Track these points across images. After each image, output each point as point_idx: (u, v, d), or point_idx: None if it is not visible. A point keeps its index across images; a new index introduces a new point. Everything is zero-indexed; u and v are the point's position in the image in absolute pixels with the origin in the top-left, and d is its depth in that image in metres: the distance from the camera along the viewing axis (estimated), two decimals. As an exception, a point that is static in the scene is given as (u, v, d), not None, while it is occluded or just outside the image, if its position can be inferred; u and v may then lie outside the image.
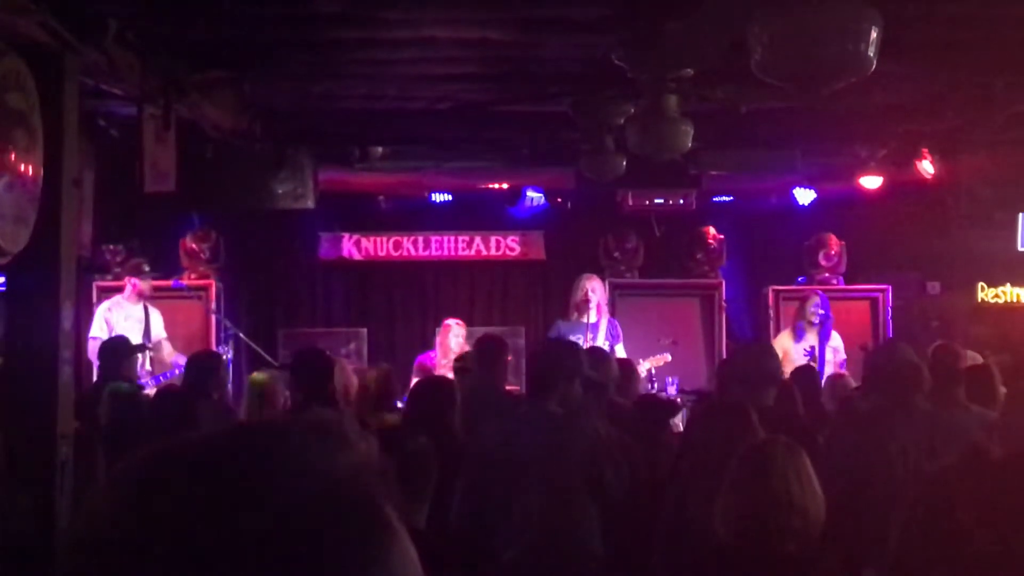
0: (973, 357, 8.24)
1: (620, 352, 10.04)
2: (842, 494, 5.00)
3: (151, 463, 0.93)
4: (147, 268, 10.97)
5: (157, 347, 10.72)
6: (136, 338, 10.13)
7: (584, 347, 7.40)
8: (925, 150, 10.57)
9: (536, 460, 5.30)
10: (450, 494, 5.35)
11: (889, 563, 3.79)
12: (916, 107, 8.99)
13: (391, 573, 0.89)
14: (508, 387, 8.08)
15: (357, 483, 0.91)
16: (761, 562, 3.64)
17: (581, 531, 5.28)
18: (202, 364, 8.09)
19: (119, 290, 11.16)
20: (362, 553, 0.88)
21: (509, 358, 7.98)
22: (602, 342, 10.11)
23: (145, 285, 10.80)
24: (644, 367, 9.99)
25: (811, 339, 10.98)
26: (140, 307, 10.78)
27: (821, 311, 11.12)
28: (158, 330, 10.87)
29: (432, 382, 7.13)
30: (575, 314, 10.44)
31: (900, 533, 3.75)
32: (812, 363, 10.30)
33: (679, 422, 7.72)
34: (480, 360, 7.66)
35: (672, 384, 10.38)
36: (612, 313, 11.59)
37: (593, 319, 10.28)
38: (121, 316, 10.65)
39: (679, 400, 9.48)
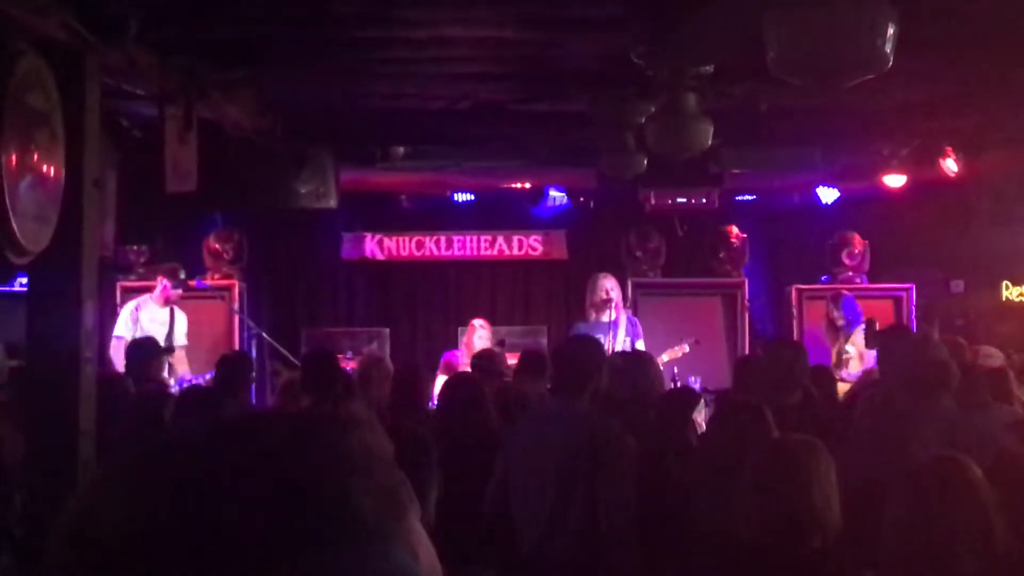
0: (995, 356, 8.19)
1: (641, 348, 10.06)
2: (860, 493, 4.98)
3: (133, 462, 0.94)
4: (183, 275, 10.86)
5: (176, 352, 10.66)
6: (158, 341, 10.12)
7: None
8: (949, 148, 10.54)
9: (562, 457, 5.33)
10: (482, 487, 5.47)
11: (883, 557, 3.77)
12: (939, 105, 8.94)
13: (348, 570, 0.89)
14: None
15: (330, 479, 0.91)
16: (785, 560, 3.63)
17: (602, 527, 5.29)
18: (234, 364, 8.13)
19: (143, 290, 11.18)
20: (324, 551, 0.88)
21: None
22: (623, 339, 10.13)
23: (175, 293, 10.73)
24: (662, 359, 9.97)
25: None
26: (166, 310, 10.70)
27: (841, 317, 11.11)
28: (180, 336, 10.70)
29: (460, 379, 7.18)
30: (594, 314, 10.44)
31: (891, 528, 3.73)
32: None
33: (702, 421, 7.70)
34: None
35: (695, 383, 10.36)
36: (635, 312, 11.58)
37: (612, 317, 10.29)
38: (147, 317, 10.58)
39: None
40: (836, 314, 11.20)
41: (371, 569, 0.89)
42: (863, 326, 10.82)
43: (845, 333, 11.00)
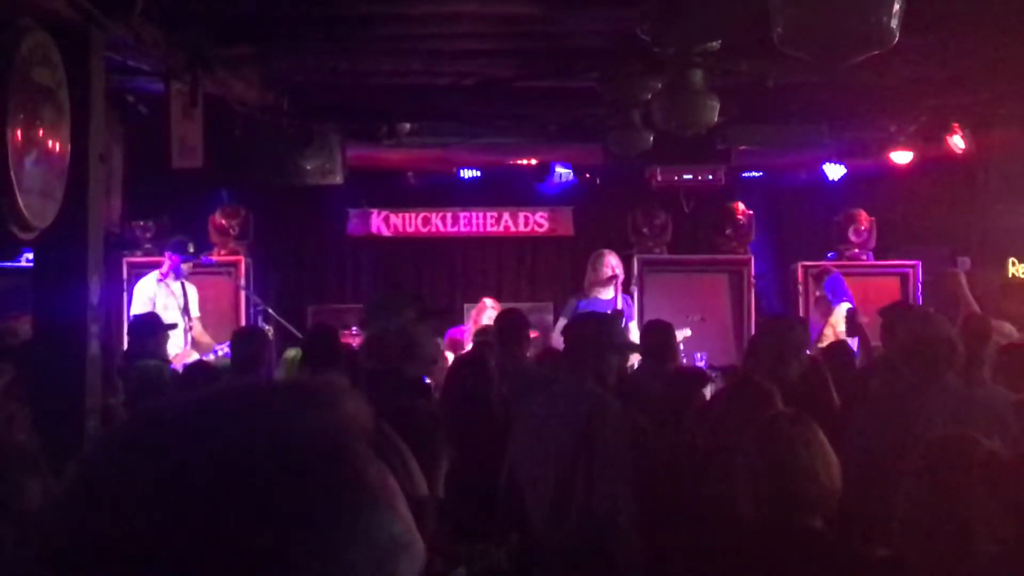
0: (1008, 334, 8.14)
1: (633, 330, 10.05)
2: (867, 471, 4.98)
3: (131, 430, 0.93)
4: (192, 248, 10.90)
5: (194, 325, 10.72)
6: (175, 315, 10.14)
7: None
8: (956, 125, 10.51)
9: (563, 438, 5.32)
10: (492, 465, 5.46)
11: (896, 534, 3.78)
12: (946, 81, 8.91)
13: (356, 536, 0.88)
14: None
15: (331, 444, 0.90)
16: (789, 537, 3.63)
17: (609, 508, 5.29)
18: (248, 341, 8.10)
19: (150, 266, 11.19)
20: (326, 514, 0.87)
21: (532, 333, 7.98)
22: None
23: (186, 266, 10.77)
24: None
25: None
26: (179, 284, 10.76)
27: (822, 294, 11.12)
28: (195, 308, 10.82)
29: (468, 358, 7.18)
30: (595, 291, 10.43)
31: (905, 506, 3.74)
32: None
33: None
34: (500, 336, 7.66)
35: (701, 360, 10.36)
36: (641, 289, 11.59)
37: (610, 295, 10.30)
38: (163, 292, 10.61)
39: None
40: (819, 292, 11.17)
41: (376, 535, 0.89)
42: (840, 307, 10.74)
43: (829, 310, 10.92)
